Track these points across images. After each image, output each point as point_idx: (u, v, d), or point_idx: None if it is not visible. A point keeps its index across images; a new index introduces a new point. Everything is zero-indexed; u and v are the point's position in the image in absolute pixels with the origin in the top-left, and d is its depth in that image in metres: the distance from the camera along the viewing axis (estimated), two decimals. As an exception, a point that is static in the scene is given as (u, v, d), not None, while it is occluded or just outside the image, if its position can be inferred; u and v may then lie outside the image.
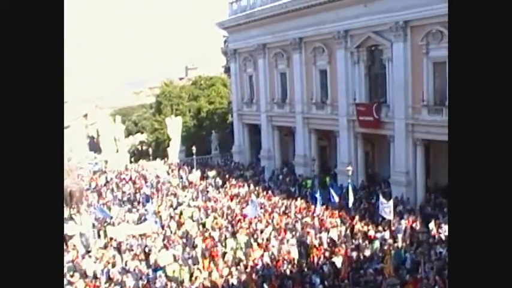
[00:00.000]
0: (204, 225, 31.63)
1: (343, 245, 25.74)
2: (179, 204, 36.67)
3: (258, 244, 27.23)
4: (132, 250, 28.23)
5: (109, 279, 25.20)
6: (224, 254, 26.73)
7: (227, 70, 68.63)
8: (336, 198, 32.33)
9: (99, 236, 31.42)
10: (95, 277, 25.70)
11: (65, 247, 29.66)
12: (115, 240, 30.03)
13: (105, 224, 32.40)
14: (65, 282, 25.01)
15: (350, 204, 32.01)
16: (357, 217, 29.93)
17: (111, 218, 33.37)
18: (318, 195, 32.75)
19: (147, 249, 28.13)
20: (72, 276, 25.75)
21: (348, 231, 28.10)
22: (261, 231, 29.04)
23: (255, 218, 31.41)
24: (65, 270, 26.33)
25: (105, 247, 29.38)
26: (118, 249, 28.81)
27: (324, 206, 31.99)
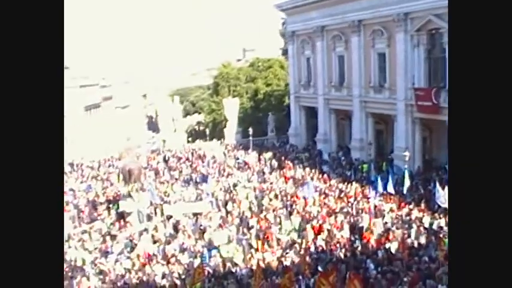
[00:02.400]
0: (259, 206, 31.96)
1: (398, 231, 25.57)
2: (235, 184, 37.08)
3: (313, 227, 27.35)
4: (188, 229, 28.89)
5: (165, 256, 25.93)
6: (278, 235, 27.03)
7: (285, 52, 68.52)
8: (392, 184, 32.06)
9: (155, 214, 32.20)
10: (152, 254, 26.52)
11: (122, 223, 30.66)
12: (172, 218, 30.76)
13: (162, 202, 33.13)
14: (124, 257, 25.94)
15: (405, 190, 31.71)
16: (412, 203, 29.71)
17: (167, 202, 33.94)
18: (374, 180, 32.57)
19: (202, 228, 28.74)
20: (130, 252, 26.66)
21: (403, 218, 27.88)
22: (316, 214, 29.17)
23: (310, 200, 31.53)
24: (123, 246, 27.27)
25: (162, 225, 30.18)
26: (175, 227, 29.50)
27: (380, 191, 31.75)
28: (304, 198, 31.99)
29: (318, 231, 26.82)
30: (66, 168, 46.41)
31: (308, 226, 27.44)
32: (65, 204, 34.42)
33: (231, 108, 60.16)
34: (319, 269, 22.07)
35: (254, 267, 22.83)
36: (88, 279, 24.01)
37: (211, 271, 23.40)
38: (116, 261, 25.63)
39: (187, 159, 48.10)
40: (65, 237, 28.86)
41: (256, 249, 25.70)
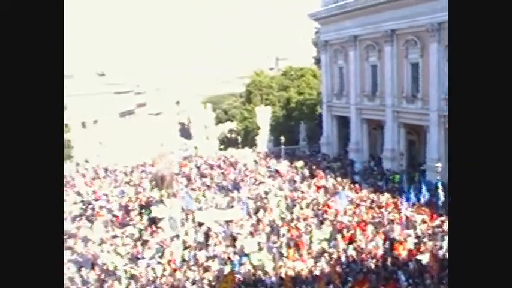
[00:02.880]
0: (290, 214, 32.04)
1: (430, 243, 25.40)
2: (266, 193, 37.20)
3: (343, 237, 27.34)
4: (219, 236, 29.13)
5: (196, 263, 26.22)
6: (309, 244, 27.09)
7: (317, 61, 68.59)
8: (425, 195, 31.81)
9: (187, 220, 32.51)
10: (182, 259, 26.85)
11: (154, 229, 31.04)
12: (203, 225, 31.04)
13: (194, 209, 33.40)
14: (155, 262, 26.28)
15: (440, 202, 31.42)
16: (444, 215, 29.46)
17: (199, 208, 34.19)
18: (406, 190, 32.37)
19: (233, 236, 28.95)
20: (161, 257, 26.99)
21: (435, 229, 27.67)
22: (347, 224, 29.12)
23: (341, 210, 31.49)
24: (154, 251, 27.61)
25: (194, 232, 30.49)
26: (206, 234, 29.75)
27: (412, 202, 31.53)
28: (336, 207, 32.00)
29: (349, 241, 26.81)
30: (101, 173, 47.16)
31: (339, 236, 27.45)
32: (98, 208, 35.08)
33: (263, 116, 60.34)
34: (349, 279, 22.11)
35: (284, 276, 22.98)
36: (119, 283, 24.40)
37: (241, 278, 23.58)
38: (147, 266, 25.98)
39: (219, 166, 48.39)
40: (98, 241, 29.40)
41: (287, 258, 25.83)
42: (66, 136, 75.46)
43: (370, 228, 28.24)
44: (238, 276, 23.33)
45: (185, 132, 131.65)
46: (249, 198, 35.73)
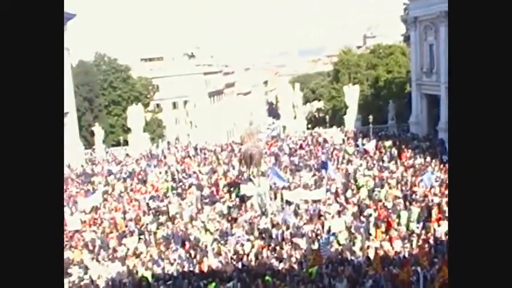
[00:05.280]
0: (378, 194, 31.97)
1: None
2: (354, 172, 37.20)
3: (432, 217, 27.06)
4: (307, 214, 29.56)
5: (282, 239, 26.80)
6: (397, 225, 27.03)
7: (406, 39, 67.15)
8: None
9: (275, 198, 33.10)
10: (269, 237, 27.45)
11: (243, 206, 31.82)
12: (291, 203, 31.55)
13: (282, 188, 33.96)
14: (243, 240, 26.99)
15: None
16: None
17: (287, 183, 34.67)
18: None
19: (321, 215, 29.28)
20: (249, 234, 27.71)
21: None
22: (437, 205, 28.77)
23: (430, 191, 31.11)
24: (242, 228, 28.33)
25: (282, 210, 31.08)
26: (294, 212, 30.24)
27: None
28: (425, 187, 31.66)
29: (438, 222, 26.54)
30: (191, 151, 48.61)
31: (428, 216, 27.22)
32: (187, 186, 36.32)
33: (351, 95, 59.76)
34: (436, 260, 21.97)
35: (371, 256, 23.11)
36: (208, 259, 25.28)
37: (328, 257, 23.88)
38: (236, 243, 26.74)
39: (308, 145, 48.62)
40: (187, 218, 30.51)
41: (375, 238, 25.94)
42: (158, 116, 78.05)
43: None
44: (325, 254, 23.56)
45: (273, 112, 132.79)
46: (338, 176, 35.64)
